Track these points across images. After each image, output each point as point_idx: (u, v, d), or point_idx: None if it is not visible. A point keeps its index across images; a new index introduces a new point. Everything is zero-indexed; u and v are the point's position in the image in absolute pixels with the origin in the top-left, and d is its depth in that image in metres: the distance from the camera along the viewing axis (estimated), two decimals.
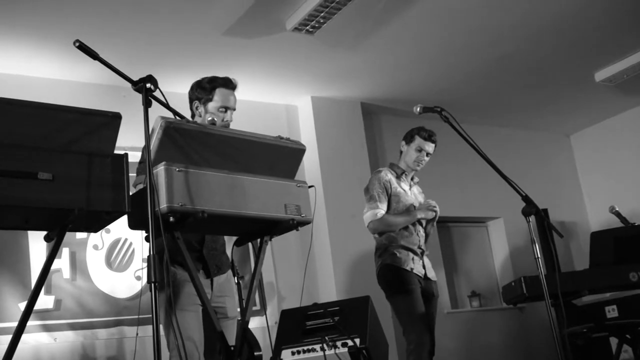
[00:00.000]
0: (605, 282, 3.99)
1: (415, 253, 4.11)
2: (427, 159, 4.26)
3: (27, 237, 4.77)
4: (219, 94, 2.94)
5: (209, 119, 2.85)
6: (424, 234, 4.23)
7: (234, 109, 3.00)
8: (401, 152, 4.31)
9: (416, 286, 4.00)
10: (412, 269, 4.03)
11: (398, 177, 4.27)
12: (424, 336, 3.86)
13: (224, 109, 2.93)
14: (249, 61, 5.42)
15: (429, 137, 4.21)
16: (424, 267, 4.13)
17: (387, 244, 4.12)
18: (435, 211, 4.19)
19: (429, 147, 4.22)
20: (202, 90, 2.95)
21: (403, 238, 4.11)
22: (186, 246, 2.43)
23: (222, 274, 2.87)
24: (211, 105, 2.93)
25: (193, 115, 2.98)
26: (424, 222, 4.23)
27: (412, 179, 4.37)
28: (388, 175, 4.22)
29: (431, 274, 4.18)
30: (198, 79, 3.04)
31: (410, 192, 4.29)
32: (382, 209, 4.09)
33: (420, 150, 4.21)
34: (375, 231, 4.15)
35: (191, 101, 2.99)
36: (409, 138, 4.26)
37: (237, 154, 2.51)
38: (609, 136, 7.88)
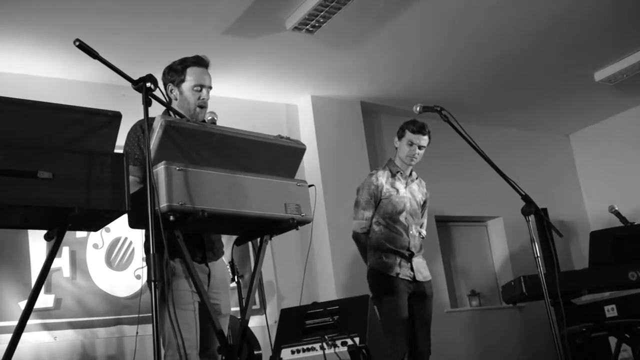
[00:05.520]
0: (605, 282, 4.00)
1: (403, 256, 4.01)
2: (420, 152, 4.10)
3: (27, 236, 4.78)
4: (191, 73, 2.86)
5: (209, 118, 2.83)
6: (416, 234, 4.13)
7: (210, 87, 2.90)
8: (396, 148, 4.19)
9: (401, 293, 3.91)
10: (397, 274, 3.95)
11: (393, 176, 4.14)
12: (400, 344, 3.81)
13: (198, 87, 2.85)
14: (248, 60, 5.42)
15: (419, 129, 4.05)
16: (412, 269, 4.01)
17: (376, 246, 4.05)
18: None
19: (420, 140, 4.06)
20: (174, 72, 2.89)
21: (391, 241, 4.03)
22: (185, 233, 2.42)
23: (215, 260, 2.83)
24: (185, 85, 2.85)
25: (170, 101, 2.90)
26: (412, 226, 4.12)
27: (410, 174, 4.22)
28: (379, 179, 4.10)
29: (422, 276, 4.05)
30: None
31: (406, 191, 4.15)
32: (369, 221, 4.08)
33: (411, 144, 4.07)
34: (355, 240, 4.16)
35: (165, 86, 2.91)
36: (400, 133, 4.14)
37: (237, 153, 2.51)
38: (609, 135, 7.89)
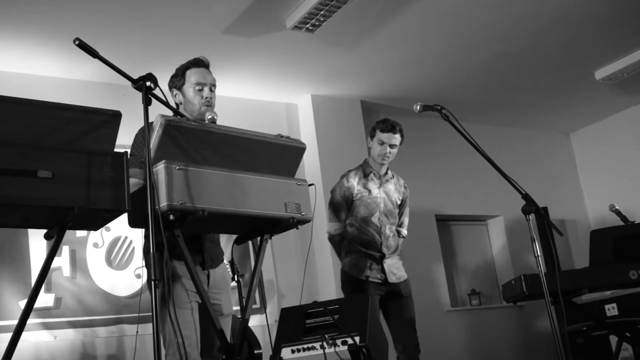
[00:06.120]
0: (605, 280, 3.99)
1: (373, 258, 3.99)
2: (392, 151, 4.06)
3: (27, 235, 4.78)
4: (190, 74, 2.88)
5: (209, 117, 2.83)
6: (390, 234, 4.08)
7: (214, 85, 2.91)
8: (369, 148, 4.16)
9: (371, 295, 3.86)
10: (367, 277, 3.94)
11: (366, 176, 4.11)
12: None
13: (200, 86, 2.85)
14: (248, 60, 5.42)
15: (389, 128, 4.02)
16: (383, 271, 3.98)
17: (348, 248, 4.04)
18: None
19: (390, 138, 4.02)
20: (175, 76, 2.93)
21: (363, 243, 4.01)
22: (185, 236, 2.42)
23: (215, 267, 2.83)
24: (187, 87, 2.87)
25: (178, 106, 2.92)
26: (386, 226, 4.07)
27: (385, 174, 4.17)
28: (350, 181, 4.08)
29: (395, 277, 4.02)
30: None
31: (379, 191, 4.10)
32: (342, 223, 4.06)
33: (382, 143, 4.03)
34: (330, 242, 4.15)
35: (171, 92, 2.94)
36: (371, 132, 4.12)
37: (237, 152, 2.51)
38: (609, 134, 7.88)
